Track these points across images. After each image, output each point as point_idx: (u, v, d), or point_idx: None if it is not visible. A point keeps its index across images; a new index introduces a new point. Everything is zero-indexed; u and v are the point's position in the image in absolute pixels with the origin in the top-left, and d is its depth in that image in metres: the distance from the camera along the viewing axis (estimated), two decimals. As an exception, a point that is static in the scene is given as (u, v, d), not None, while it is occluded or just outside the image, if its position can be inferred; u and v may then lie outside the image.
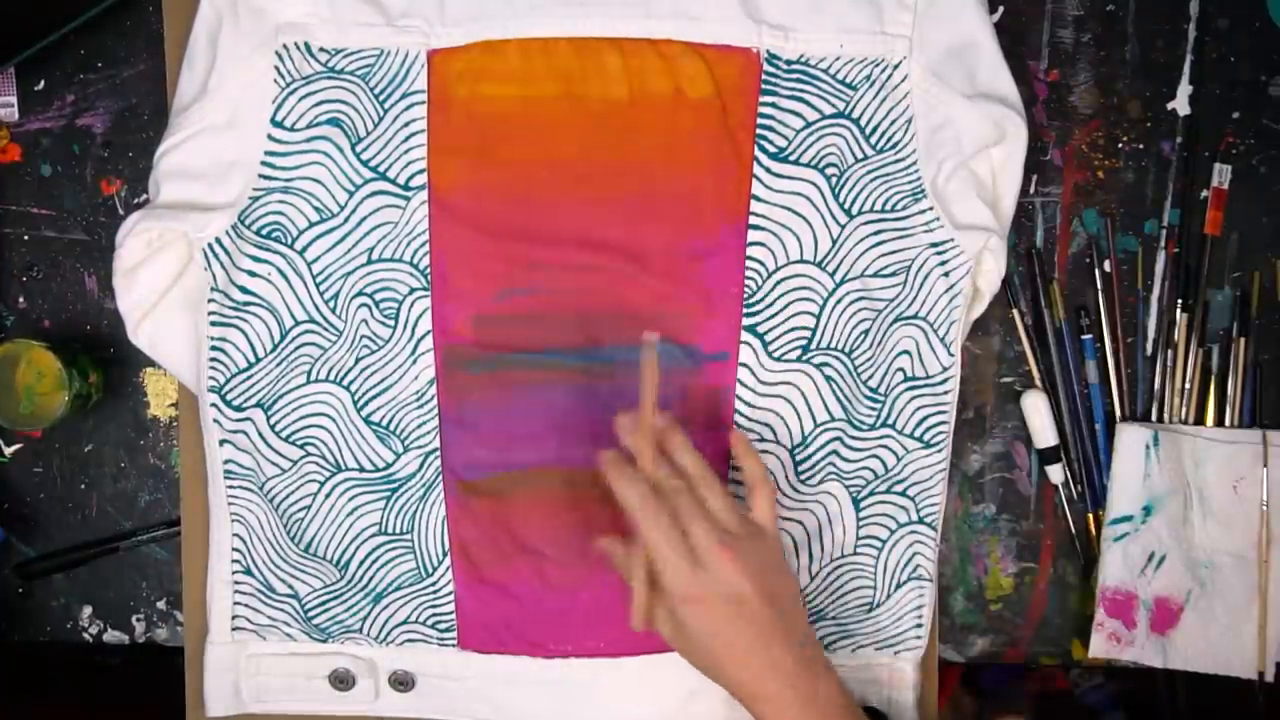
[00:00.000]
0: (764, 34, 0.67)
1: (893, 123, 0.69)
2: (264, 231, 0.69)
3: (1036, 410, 0.74)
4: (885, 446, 0.71)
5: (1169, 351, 0.75)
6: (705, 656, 0.61)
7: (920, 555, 0.72)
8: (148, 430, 0.76)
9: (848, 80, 0.68)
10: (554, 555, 0.70)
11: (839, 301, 0.70)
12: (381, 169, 0.68)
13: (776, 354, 0.69)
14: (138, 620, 0.77)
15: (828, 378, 0.70)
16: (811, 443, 0.70)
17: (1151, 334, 0.75)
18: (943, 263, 0.69)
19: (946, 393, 0.71)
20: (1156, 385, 0.75)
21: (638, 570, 0.60)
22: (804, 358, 0.69)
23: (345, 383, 0.70)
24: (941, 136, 0.68)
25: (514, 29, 0.67)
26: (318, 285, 0.69)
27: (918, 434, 0.71)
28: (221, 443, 0.70)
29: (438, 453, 0.70)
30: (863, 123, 0.69)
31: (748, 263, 0.69)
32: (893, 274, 0.70)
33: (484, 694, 0.72)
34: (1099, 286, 0.75)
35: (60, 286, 0.76)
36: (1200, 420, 0.75)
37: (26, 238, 0.76)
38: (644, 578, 0.60)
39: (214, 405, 0.70)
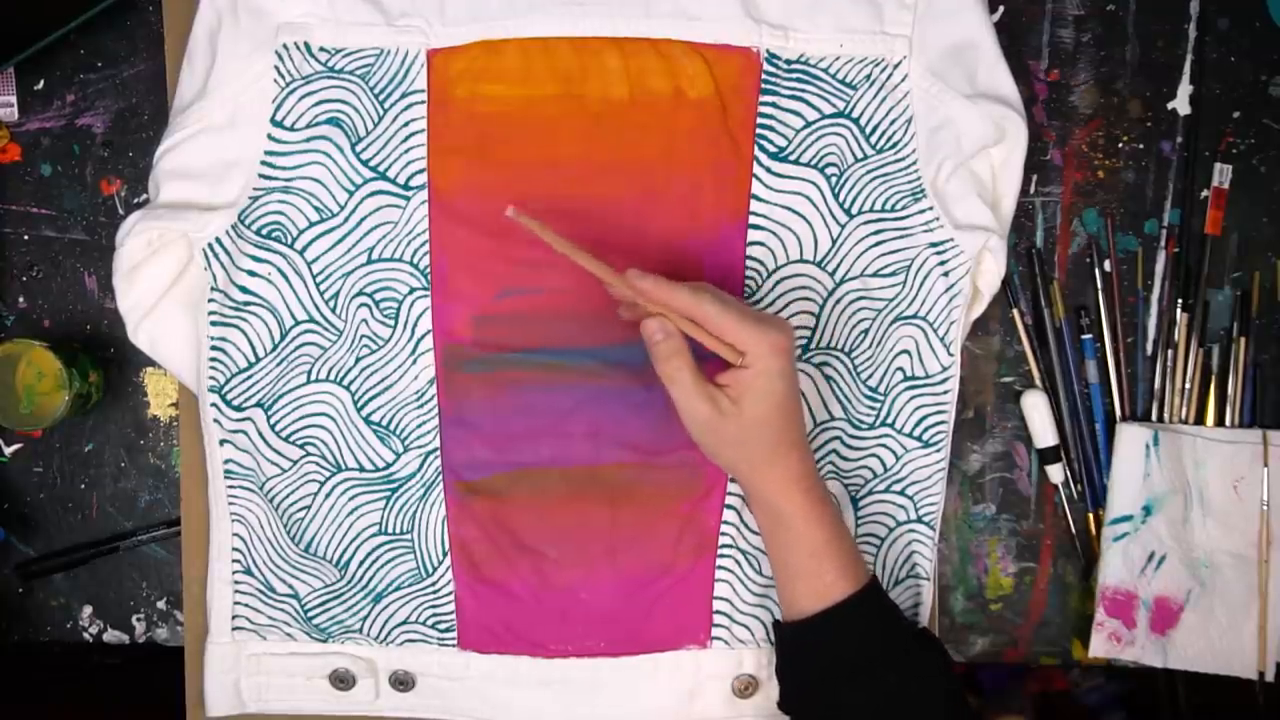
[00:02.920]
0: (764, 33, 0.67)
1: (893, 122, 0.69)
2: (264, 231, 0.69)
3: (1036, 410, 0.74)
4: (884, 446, 0.71)
5: (1169, 351, 0.74)
6: (763, 429, 0.61)
7: (918, 554, 0.72)
8: (148, 430, 0.76)
9: (848, 80, 0.68)
10: (554, 555, 0.70)
11: (839, 301, 0.70)
12: (381, 169, 0.68)
13: (776, 354, 0.69)
14: (138, 620, 0.77)
15: (827, 377, 0.70)
16: (810, 441, 0.70)
17: (1151, 334, 0.75)
18: (942, 262, 0.69)
19: (946, 392, 0.71)
20: (1156, 385, 0.75)
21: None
22: (804, 357, 0.70)
23: (345, 382, 0.70)
24: (941, 136, 0.68)
25: (514, 29, 0.67)
26: (318, 285, 0.69)
27: (917, 433, 0.71)
28: (221, 443, 0.70)
29: (438, 452, 0.70)
30: (863, 122, 0.69)
31: (748, 262, 0.69)
32: (892, 274, 0.70)
33: (484, 694, 0.72)
34: (1099, 286, 0.75)
35: (60, 286, 0.76)
36: (1200, 420, 0.75)
37: (26, 238, 0.76)
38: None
39: (214, 405, 0.70)
